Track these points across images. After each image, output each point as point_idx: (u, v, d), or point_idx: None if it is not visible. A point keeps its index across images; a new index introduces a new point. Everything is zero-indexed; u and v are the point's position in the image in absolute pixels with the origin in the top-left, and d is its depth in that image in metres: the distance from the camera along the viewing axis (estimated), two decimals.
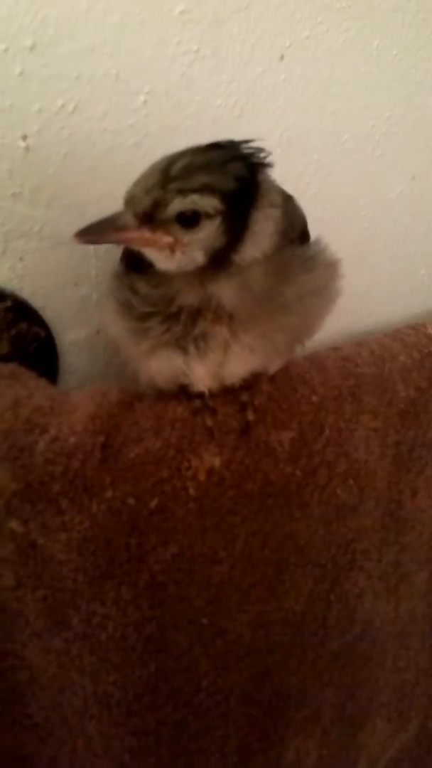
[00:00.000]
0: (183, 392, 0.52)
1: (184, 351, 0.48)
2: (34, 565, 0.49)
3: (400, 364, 0.63)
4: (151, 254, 0.45)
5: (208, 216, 0.42)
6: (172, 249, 0.44)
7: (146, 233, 0.43)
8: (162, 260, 0.45)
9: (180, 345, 0.48)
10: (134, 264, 0.48)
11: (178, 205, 0.42)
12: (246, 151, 0.44)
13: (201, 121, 0.59)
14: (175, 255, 0.44)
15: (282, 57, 0.62)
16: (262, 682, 0.62)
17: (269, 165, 0.45)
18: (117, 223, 0.43)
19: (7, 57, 0.51)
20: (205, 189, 0.42)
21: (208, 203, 0.42)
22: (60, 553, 0.49)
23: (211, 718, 0.60)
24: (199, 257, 0.44)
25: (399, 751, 0.82)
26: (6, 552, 0.48)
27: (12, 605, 0.50)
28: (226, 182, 0.42)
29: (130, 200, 0.43)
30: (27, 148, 0.53)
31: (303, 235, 0.51)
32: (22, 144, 0.53)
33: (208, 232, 0.43)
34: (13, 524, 0.48)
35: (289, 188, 0.49)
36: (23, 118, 0.52)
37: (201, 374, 0.49)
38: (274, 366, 0.54)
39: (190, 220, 0.42)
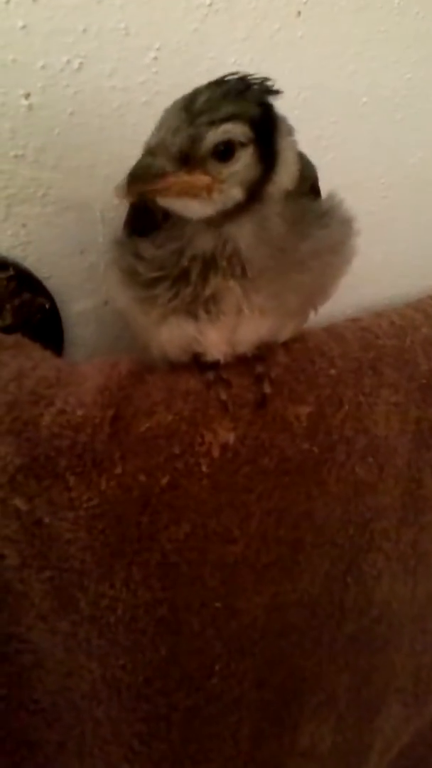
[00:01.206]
0: (196, 363, 0.50)
1: (195, 317, 0.45)
2: (40, 545, 0.47)
3: (422, 336, 0.61)
4: (184, 203, 0.41)
5: (242, 145, 0.40)
6: (209, 190, 0.41)
7: (184, 176, 0.40)
8: (197, 207, 0.41)
9: (190, 311, 0.45)
10: (138, 228, 0.46)
11: (212, 137, 0.39)
12: (254, 80, 0.41)
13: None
14: (212, 196, 0.41)
15: (299, 13, 0.59)
16: (277, 665, 0.60)
17: (279, 92, 0.42)
18: (154, 171, 0.39)
19: (9, 9, 0.48)
20: (233, 117, 0.39)
21: (240, 131, 0.40)
22: (67, 532, 0.47)
23: (224, 703, 0.58)
24: (237, 193, 0.42)
25: (414, 736, 0.81)
26: (10, 531, 0.46)
27: (16, 586, 0.48)
28: (252, 108, 0.40)
29: (159, 145, 0.39)
30: (30, 107, 0.51)
31: (314, 190, 0.48)
32: (25, 102, 0.51)
33: (245, 163, 0.41)
34: (18, 501, 0.45)
35: (305, 152, 0.47)
36: (26, 75, 0.50)
37: (214, 340, 0.47)
38: (286, 331, 0.51)
39: (225, 152, 0.40)
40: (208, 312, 0.45)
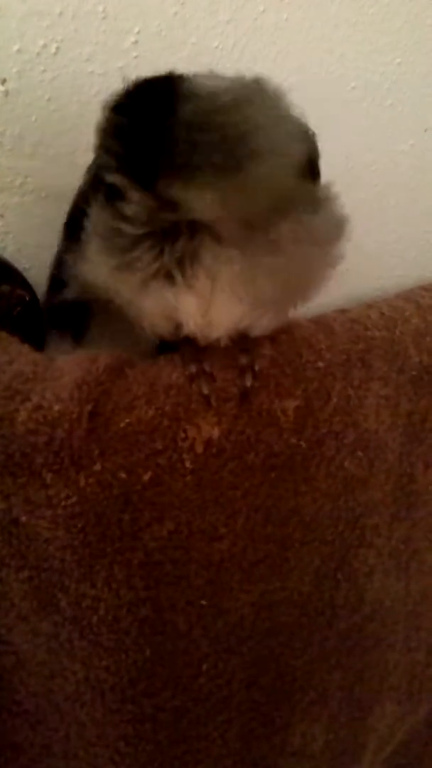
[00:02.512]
0: (180, 347, 0.49)
1: (172, 281, 0.43)
2: (18, 544, 0.46)
3: (412, 328, 0.59)
4: None
5: None
6: None
7: None
8: None
9: (169, 274, 0.43)
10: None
11: None
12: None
13: (196, 64, 0.53)
14: None
15: None
16: (266, 665, 0.59)
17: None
18: None
19: None
20: None
21: None
22: (45, 531, 0.46)
23: (212, 704, 0.57)
24: None
25: (408, 734, 0.80)
26: None
27: None
28: None
29: None
30: (6, 93, 0.49)
31: (312, 169, 0.46)
32: (1, 88, 0.49)
33: None
34: None
35: None
36: (2, 60, 0.49)
37: (191, 308, 0.45)
38: (263, 322, 0.49)
39: None
40: (183, 273, 0.43)
